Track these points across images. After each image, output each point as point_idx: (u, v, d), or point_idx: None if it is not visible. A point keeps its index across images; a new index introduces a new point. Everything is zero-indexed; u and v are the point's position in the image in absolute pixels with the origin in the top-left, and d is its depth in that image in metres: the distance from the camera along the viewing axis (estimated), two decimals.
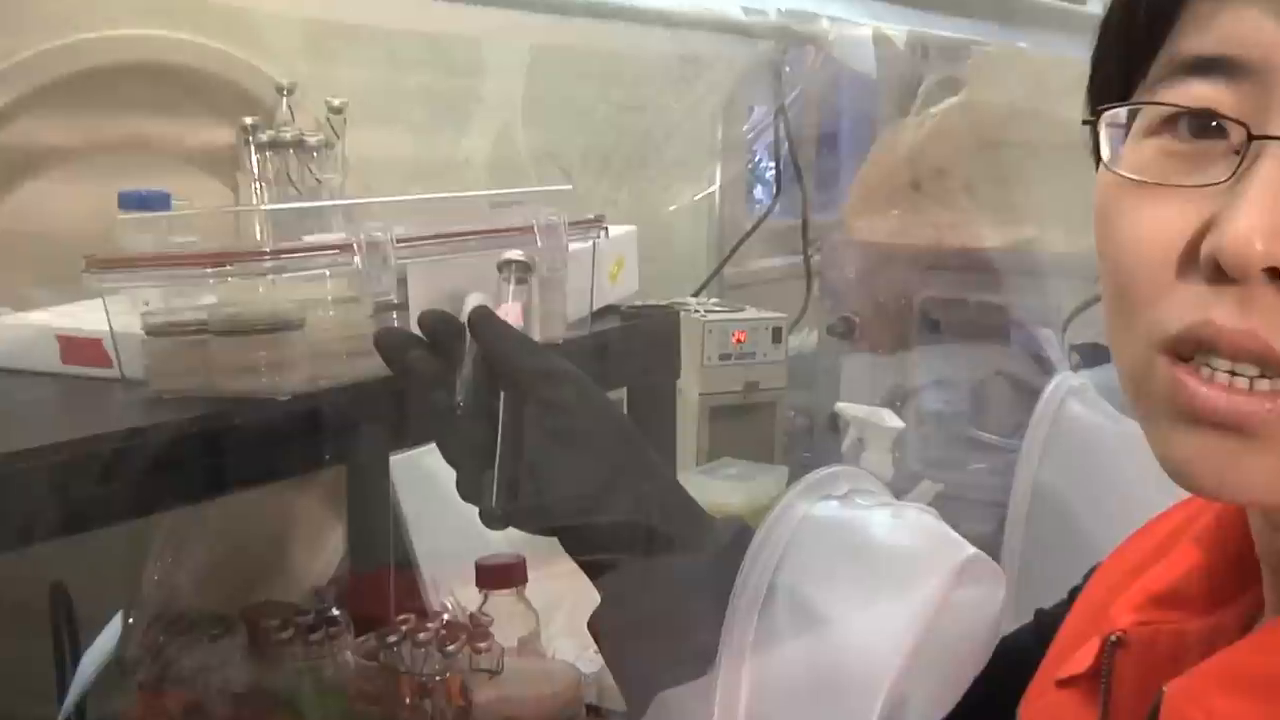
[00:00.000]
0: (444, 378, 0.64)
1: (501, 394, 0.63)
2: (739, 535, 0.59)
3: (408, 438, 0.80)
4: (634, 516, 0.60)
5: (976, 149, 1.48)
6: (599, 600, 0.61)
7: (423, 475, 1.09)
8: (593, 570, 0.62)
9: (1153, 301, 0.44)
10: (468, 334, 0.65)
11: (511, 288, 0.69)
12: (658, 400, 1.08)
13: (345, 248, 0.70)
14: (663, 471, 0.63)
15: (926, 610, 0.54)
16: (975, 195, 1.49)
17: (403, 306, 0.74)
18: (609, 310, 1.04)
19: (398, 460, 1.08)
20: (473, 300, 0.68)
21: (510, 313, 0.67)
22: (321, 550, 1.12)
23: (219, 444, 0.67)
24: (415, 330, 0.68)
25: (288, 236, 0.74)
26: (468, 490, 0.63)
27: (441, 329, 0.66)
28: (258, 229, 0.80)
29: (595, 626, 0.61)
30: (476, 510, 0.63)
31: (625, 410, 1.09)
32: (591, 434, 0.62)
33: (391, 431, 0.76)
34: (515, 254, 0.69)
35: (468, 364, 0.64)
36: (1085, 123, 0.48)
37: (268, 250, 0.68)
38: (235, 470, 0.68)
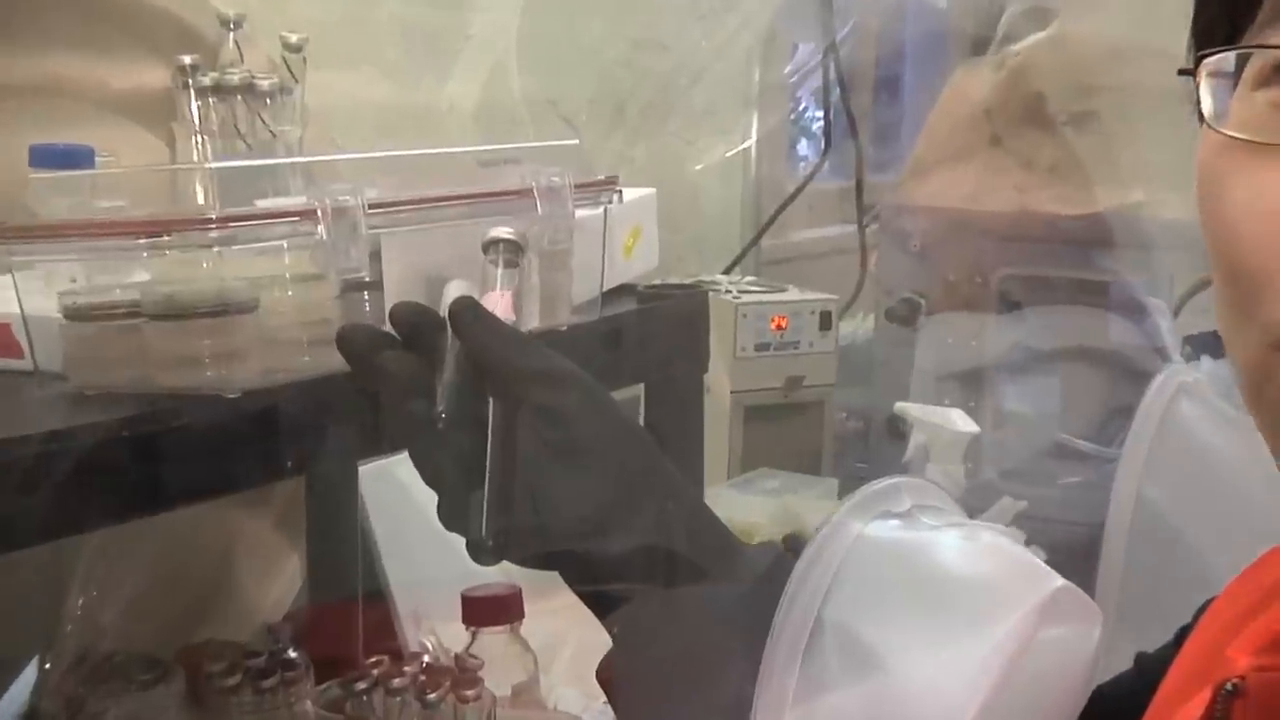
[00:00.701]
0: (421, 383, 0.65)
1: (490, 401, 0.63)
2: (778, 564, 0.59)
3: (380, 443, 0.80)
4: (650, 544, 0.61)
5: (1070, 95, 1.47)
6: (608, 641, 0.61)
7: (397, 488, 1.09)
8: (601, 607, 0.62)
9: (1269, 287, 0.45)
10: (449, 330, 0.65)
11: (500, 272, 0.69)
12: (681, 399, 1.08)
13: (306, 215, 0.71)
14: (684, 490, 0.64)
15: (1006, 653, 0.54)
16: (1069, 151, 1.48)
17: (376, 285, 0.74)
18: (623, 290, 1.04)
19: (368, 470, 1.08)
20: (454, 289, 0.68)
21: (499, 303, 0.67)
22: (276, 578, 1.13)
23: (154, 451, 0.68)
24: (386, 326, 0.69)
25: (237, 201, 0.75)
26: (451, 517, 0.63)
27: (417, 324, 0.67)
28: (200, 192, 0.81)
29: (605, 674, 0.61)
30: (466, 544, 0.63)
31: (643, 411, 1.10)
32: (598, 447, 0.62)
33: (361, 436, 0.77)
34: (503, 232, 0.69)
35: (450, 366, 0.64)
36: (1183, 73, 0.48)
37: (212, 217, 0.68)
38: (173, 483, 0.69)
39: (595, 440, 0.62)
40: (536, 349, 0.65)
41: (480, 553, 0.62)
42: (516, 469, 0.62)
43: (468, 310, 0.66)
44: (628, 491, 0.62)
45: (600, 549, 0.61)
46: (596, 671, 0.62)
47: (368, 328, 0.69)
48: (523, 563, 0.64)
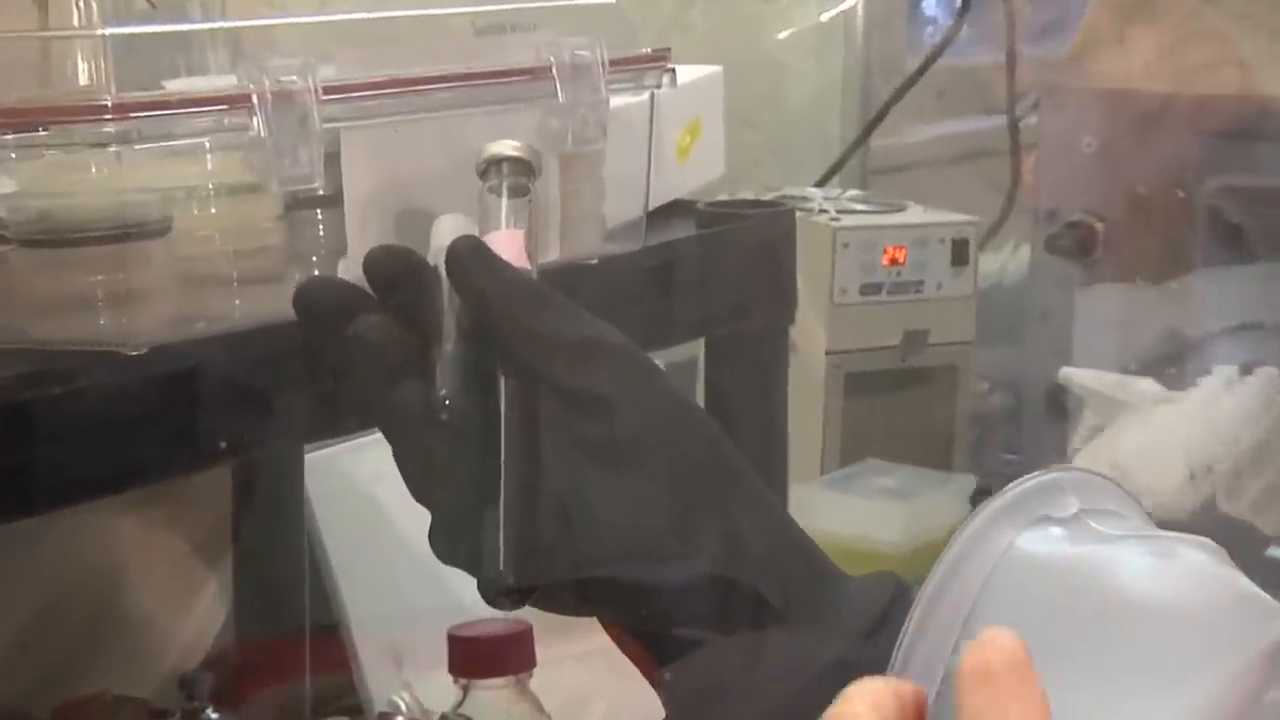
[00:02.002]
0: (412, 360, 0.65)
1: (503, 384, 0.64)
2: (897, 601, 0.60)
3: (336, 422, 0.81)
4: (718, 572, 0.62)
5: None
6: (658, 703, 0.62)
7: (357, 484, 1.10)
8: (654, 655, 0.63)
9: None
10: (445, 284, 0.66)
11: (504, 204, 0.69)
12: (757, 362, 1.09)
13: (236, 101, 0.71)
14: (766, 499, 0.65)
15: (1221, 718, 0.55)
16: None
17: (333, 200, 0.75)
18: (677, 209, 1.05)
19: (317, 459, 1.10)
20: (448, 227, 0.68)
21: (506, 246, 0.67)
22: (191, 608, 1.14)
23: (27, 429, 0.69)
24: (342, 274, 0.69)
25: (138, 82, 0.76)
26: (451, 546, 0.64)
27: (401, 276, 0.67)
28: (84, 68, 0.82)
29: None
30: (479, 583, 0.63)
31: (702, 378, 1.10)
32: (651, 442, 0.63)
33: (311, 411, 0.78)
34: (507, 147, 0.69)
35: (451, 335, 0.64)
36: None
37: (106, 104, 0.69)
38: (54, 474, 0.70)
39: (647, 433, 0.63)
40: (565, 308, 0.65)
41: (496, 593, 0.62)
42: (543, 477, 0.63)
43: (471, 254, 0.66)
44: (689, 502, 0.63)
45: (652, 581, 0.62)
46: None
47: (336, 282, 0.69)
48: (555, 606, 0.65)
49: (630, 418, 0.63)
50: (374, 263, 0.67)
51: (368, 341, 0.65)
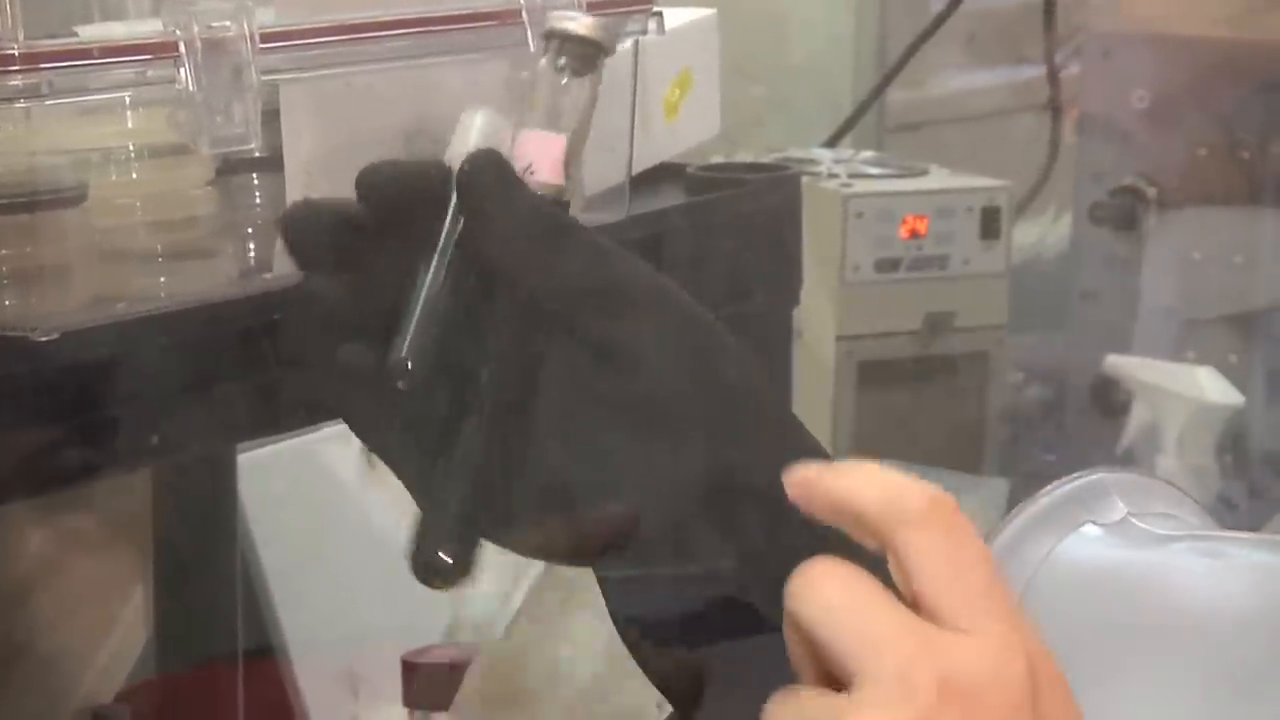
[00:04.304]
0: (368, 317, 0.65)
1: (499, 331, 0.64)
2: None
3: (273, 417, 0.82)
4: (754, 571, 0.62)
5: None
6: None
7: (297, 487, 1.11)
8: (678, 687, 0.64)
9: None
10: (453, 201, 0.65)
11: (543, 98, 0.66)
12: (757, 348, 1.09)
13: (160, 50, 0.72)
14: None
15: None
16: None
17: (271, 163, 0.76)
18: (665, 173, 1.05)
19: (252, 459, 1.10)
20: (478, 126, 0.66)
21: (539, 149, 0.66)
22: (106, 632, 1.14)
23: None
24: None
25: (48, 29, 0.76)
26: (429, 543, 0.64)
27: (407, 193, 0.65)
28: None
29: None
30: (409, 555, 0.64)
31: None
32: (684, 409, 0.63)
33: (246, 405, 0.78)
34: (568, 20, 0.66)
35: (440, 260, 0.64)
36: None
37: (13, 53, 0.70)
38: None
39: (679, 396, 0.63)
40: (591, 244, 0.65)
41: (428, 572, 0.63)
42: (539, 443, 0.63)
43: (487, 173, 0.65)
44: (724, 483, 0.62)
45: (687, 600, 0.63)
46: None
47: (326, 203, 0.67)
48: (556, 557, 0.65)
49: (659, 376, 0.63)
50: (372, 178, 0.66)
51: (316, 303, 0.65)
